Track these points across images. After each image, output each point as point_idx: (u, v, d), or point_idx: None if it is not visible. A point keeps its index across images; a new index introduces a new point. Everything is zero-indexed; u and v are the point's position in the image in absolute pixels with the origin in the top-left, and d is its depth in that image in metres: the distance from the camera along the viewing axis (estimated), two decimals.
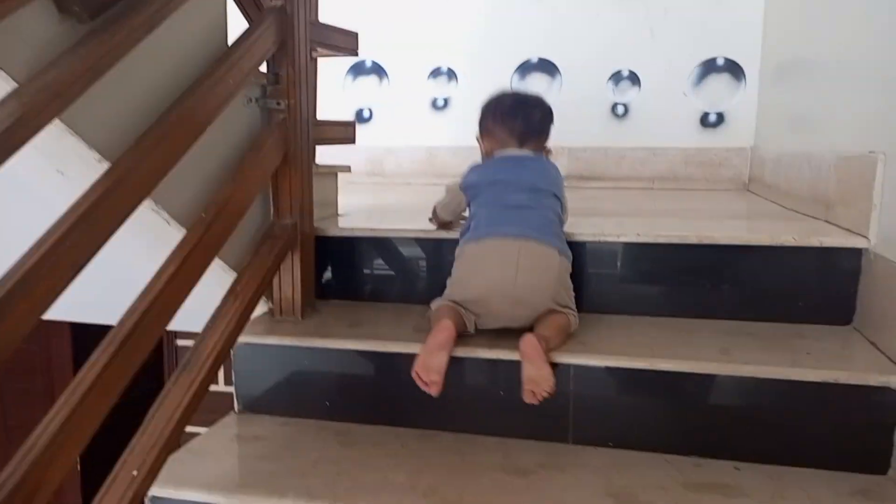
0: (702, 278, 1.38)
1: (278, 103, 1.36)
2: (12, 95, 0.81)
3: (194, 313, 1.25)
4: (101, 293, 1.22)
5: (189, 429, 1.47)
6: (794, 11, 2.07)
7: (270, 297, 1.47)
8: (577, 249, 1.41)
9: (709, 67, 2.53)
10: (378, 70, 2.97)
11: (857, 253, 1.26)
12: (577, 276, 1.41)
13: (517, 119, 1.40)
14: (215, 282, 1.31)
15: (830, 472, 1.09)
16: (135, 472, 0.97)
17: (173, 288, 1.05)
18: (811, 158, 1.67)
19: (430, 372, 1.15)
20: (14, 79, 0.84)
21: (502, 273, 1.22)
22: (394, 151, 2.96)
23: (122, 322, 0.98)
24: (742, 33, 2.48)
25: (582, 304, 1.38)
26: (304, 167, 1.43)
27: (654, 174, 2.63)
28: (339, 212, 1.79)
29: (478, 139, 1.47)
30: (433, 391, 1.15)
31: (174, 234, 1.16)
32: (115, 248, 1.31)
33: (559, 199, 1.36)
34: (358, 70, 2.99)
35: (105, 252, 1.29)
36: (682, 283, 1.40)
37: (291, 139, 1.38)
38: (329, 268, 1.60)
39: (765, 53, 2.42)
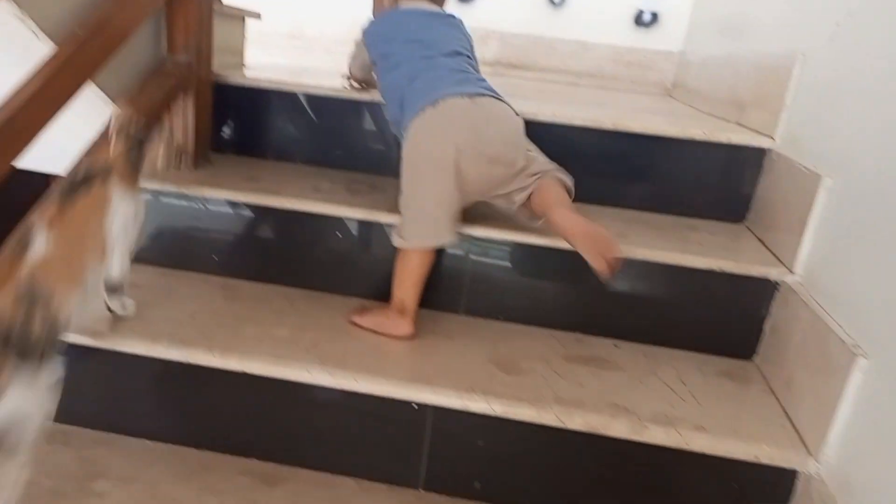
0: (611, 167, 1.37)
1: None
2: None
3: (71, 153, 1.14)
4: None
5: None
6: None
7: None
8: None
9: None
10: None
11: (760, 152, 1.28)
12: None
13: None
14: (94, 114, 1.18)
15: (703, 355, 1.15)
16: None
17: (35, 108, 0.94)
18: (733, 62, 1.66)
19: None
20: None
21: (472, 129, 1.07)
22: (317, 16, 2.76)
23: None
24: None
25: None
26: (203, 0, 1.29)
27: (581, 69, 2.58)
28: (249, 66, 1.66)
29: None
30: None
31: (44, 51, 1.02)
32: None
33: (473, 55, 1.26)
34: None
35: None
36: (593, 170, 1.38)
37: None
38: (229, 120, 1.49)
39: None
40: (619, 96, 2.21)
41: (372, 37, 1.25)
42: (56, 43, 1.02)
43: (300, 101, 1.45)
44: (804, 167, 1.09)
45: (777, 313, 1.09)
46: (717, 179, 1.33)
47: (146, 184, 1.25)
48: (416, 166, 1.09)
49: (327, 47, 2.72)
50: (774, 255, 1.14)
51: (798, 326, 1.00)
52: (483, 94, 1.11)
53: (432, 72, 1.14)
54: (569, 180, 1.12)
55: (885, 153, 0.87)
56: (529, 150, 1.14)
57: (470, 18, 1.40)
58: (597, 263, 0.98)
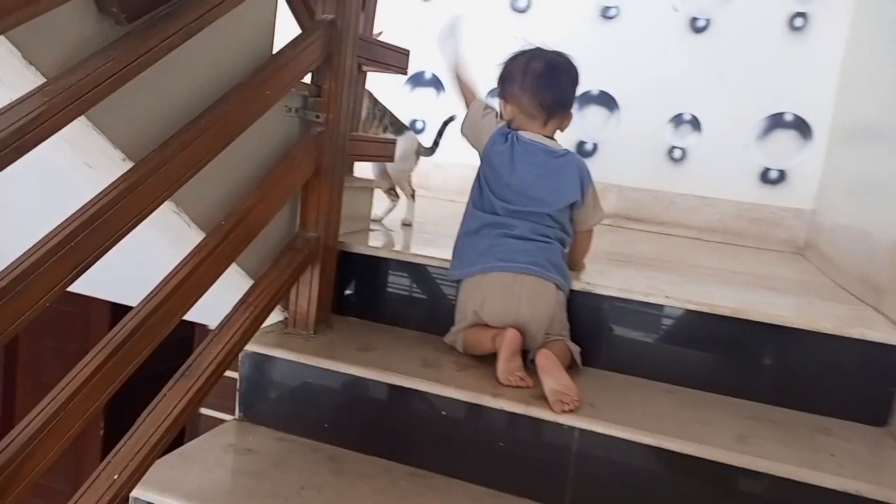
0: (730, 353, 1.31)
1: (317, 116, 1.35)
2: (37, 91, 0.81)
3: (214, 308, 1.25)
4: (136, 278, 1.24)
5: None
6: (873, 74, 1.95)
7: (287, 307, 1.46)
8: (599, 302, 1.36)
9: (775, 121, 2.42)
10: (436, 83, 2.95)
11: None
12: (598, 331, 1.36)
13: (548, 89, 1.35)
14: (233, 284, 1.30)
15: None
16: (115, 477, 0.96)
17: (187, 288, 1.05)
18: (867, 235, 1.56)
19: (515, 376, 1.21)
20: (43, 74, 0.84)
21: (505, 304, 1.28)
22: (441, 167, 2.93)
23: (137, 310, 0.98)
24: (815, 89, 2.36)
25: (599, 361, 1.33)
26: (335, 182, 1.41)
27: (703, 224, 2.53)
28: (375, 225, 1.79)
29: (500, 101, 1.43)
30: (529, 384, 1.20)
31: (195, 236, 1.16)
32: (145, 241, 1.32)
33: (583, 200, 1.38)
34: (417, 81, 2.97)
35: (137, 242, 1.30)
36: (709, 354, 1.33)
37: (326, 153, 1.36)
38: (352, 283, 1.58)
39: (837, 114, 2.30)
40: (745, 257, 2.14)
41: (488, 152, 1.42)
42: (205, 232, 1.15)
43: (416, 270, 1.52)
44: None
45: None
46: (852, 375, 1.23)
47: (265, 350, 1.34)
48: (461, 310, 1.37)
49: (450, 197, 2.86)
50: None
51: None
52: (529, 273, 1.28)
53: (501, 238, 1.32)
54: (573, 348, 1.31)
55: None
56: (560, 324, 1.32)
57: None
58: (552, 398, 1.12)
